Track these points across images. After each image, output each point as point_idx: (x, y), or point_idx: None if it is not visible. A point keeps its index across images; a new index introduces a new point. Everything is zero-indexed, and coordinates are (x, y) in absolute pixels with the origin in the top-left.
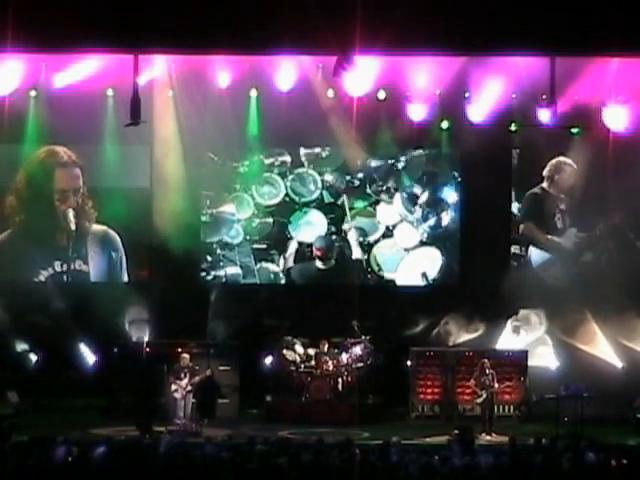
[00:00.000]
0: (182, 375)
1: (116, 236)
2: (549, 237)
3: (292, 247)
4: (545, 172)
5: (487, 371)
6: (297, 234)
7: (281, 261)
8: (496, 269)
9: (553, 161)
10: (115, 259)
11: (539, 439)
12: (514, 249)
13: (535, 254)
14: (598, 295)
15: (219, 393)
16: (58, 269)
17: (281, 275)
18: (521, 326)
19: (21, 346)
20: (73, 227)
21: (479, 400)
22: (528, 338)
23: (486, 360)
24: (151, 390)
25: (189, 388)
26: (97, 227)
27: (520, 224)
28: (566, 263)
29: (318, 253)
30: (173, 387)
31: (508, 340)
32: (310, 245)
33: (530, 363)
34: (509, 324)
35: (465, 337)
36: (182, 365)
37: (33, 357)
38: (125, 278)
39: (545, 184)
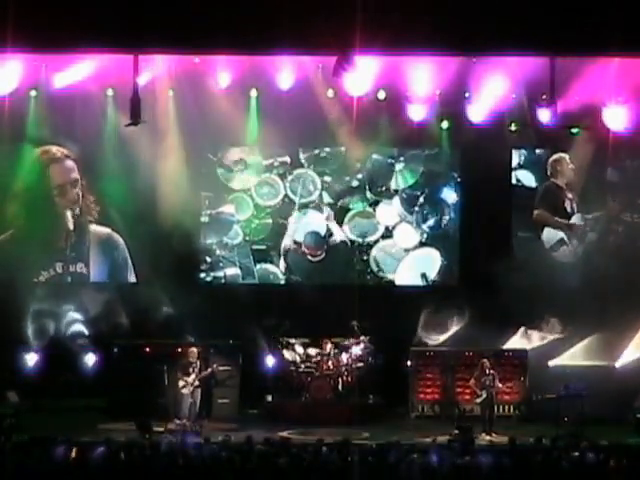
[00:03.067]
0: (190, 370)
1: (119, 237)
2: (560, 220)
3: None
4: (549, 167)
5: (487, 371)
6: (296, 235)
7: (281, 262)
8: (496, 270)
9: (552, 157)
10: (119, 260)
11: (539, 439)
12: (522, 233)
13: (546, 235)
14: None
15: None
16: (59, 270)
17: (281, 276)
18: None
19: (21, 347)
20: (71, 226)
21: (479, 400)
22: (543, 340)
23: (486, 360)
24: (151, 390)
25: (197, 384)
26: (100, 228)
27: (535, 210)
28: (574, 241)
29: (307, 251)
30: (181, 383)
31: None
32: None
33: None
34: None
35: (465, 338)
36: (190, 361)
37: (33, 357)
38: (133, 279)
39: (553, 177)
